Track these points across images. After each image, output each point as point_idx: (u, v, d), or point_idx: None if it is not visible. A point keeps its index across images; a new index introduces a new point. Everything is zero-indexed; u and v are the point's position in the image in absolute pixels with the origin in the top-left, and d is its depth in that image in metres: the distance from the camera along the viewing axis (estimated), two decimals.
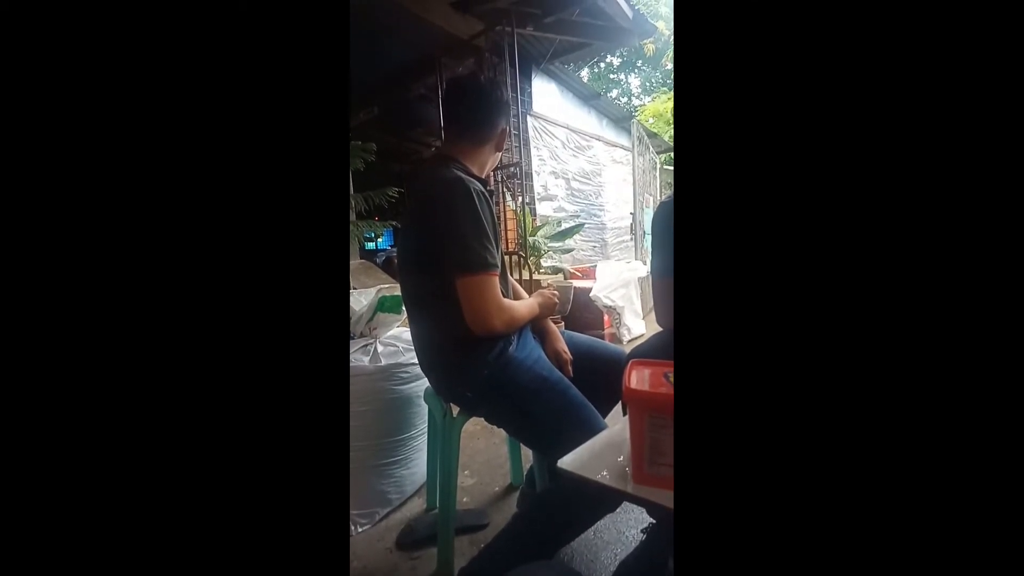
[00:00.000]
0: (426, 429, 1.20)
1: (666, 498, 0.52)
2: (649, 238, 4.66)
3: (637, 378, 0.58)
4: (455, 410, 0.95)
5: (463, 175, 0.89)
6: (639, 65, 12.64)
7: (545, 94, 4.02)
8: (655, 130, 6.73)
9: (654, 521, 0.96)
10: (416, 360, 1.05)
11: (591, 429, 0.79)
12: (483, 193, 0.89)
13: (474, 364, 0.89)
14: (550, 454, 0.79)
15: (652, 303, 1.17)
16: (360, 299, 1.34)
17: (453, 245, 0.84)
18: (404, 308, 1.02)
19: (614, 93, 12.03)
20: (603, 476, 0.58)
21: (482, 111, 0.97)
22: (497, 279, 0.87)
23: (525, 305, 0.96)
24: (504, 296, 0.92)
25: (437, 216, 0.86)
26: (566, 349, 1.03)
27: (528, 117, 3.66)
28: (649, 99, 11.43)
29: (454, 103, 1.01)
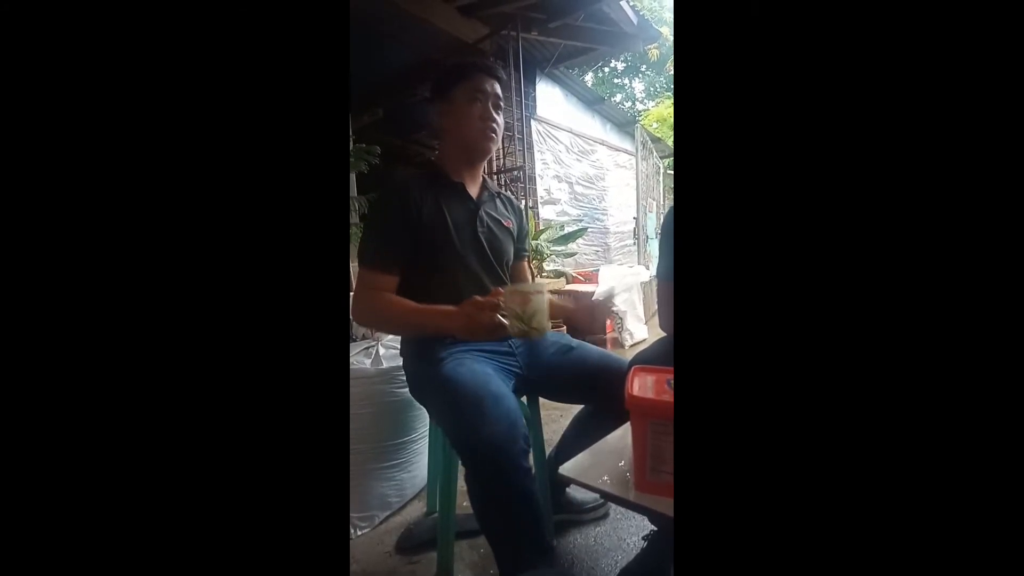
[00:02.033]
0: (427, 432, 1.20)
1: (668, 506, 0.51)
2: (652, 243, 4.66)
3: (640, 385, 0.57)
4: None
5: (399, 179, 0.93)
6: (643, 70, 12.65)
7: (549, 98, 4.03)
8: (659, 135, 6.73)
9: (655, 528, 0.95)
10: None
11: (478, 420, 0.69)
12: (411, 193, 0.90)
13: (408, 364, 0.95)
14: (458, 447, 0.71)
15: (655, 307, 1.13)
16: None
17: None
18: None
19: (618, 98, 12.05)
20: (604, 482, 0.58)
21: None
22: (378, 277, 0.87)
23: (417, 311, 0.85)
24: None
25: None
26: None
27: (532, 121, 3.67)
28: (653, 104, 11.46)
29: None
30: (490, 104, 0.95)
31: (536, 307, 0.73)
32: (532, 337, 0.75)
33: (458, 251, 0.93)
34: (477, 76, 0.94)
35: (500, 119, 0.97)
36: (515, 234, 1.07)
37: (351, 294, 0.88)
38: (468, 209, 0.97)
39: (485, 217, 0.99)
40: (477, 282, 0.95)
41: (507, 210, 1.07)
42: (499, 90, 0.97)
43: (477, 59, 1.01)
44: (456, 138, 0.97)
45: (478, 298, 0.80)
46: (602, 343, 2.78)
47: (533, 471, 0.70)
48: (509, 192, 1.14)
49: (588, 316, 1.08)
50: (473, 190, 1.00)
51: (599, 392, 0.94)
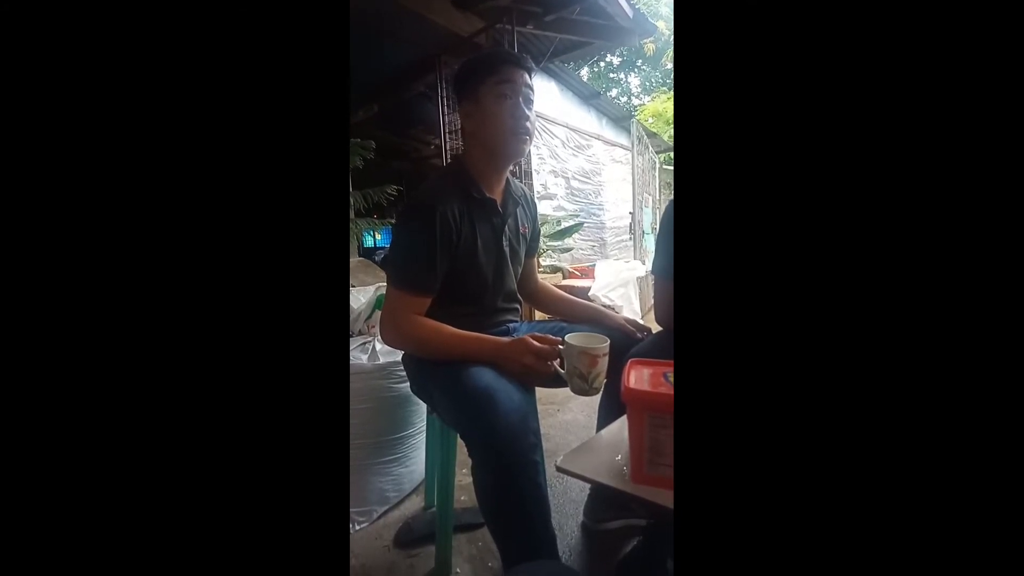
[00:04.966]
0: (424, 427, 1.20)
1: (665, 498, 0.52)
2: (648, 238, 4.66)
3: (636, 378, 0.58)
4: None
5: (439, 194, 0.85)
6: (639, 64, 12.64)
7: (545, 93, 4.01)
8: (654, 130, 6.73)
9: (652, 521, 0.96)
10: None
11: (491, 412, 0.69)
12: (452, 216, 0.83)
13: (411, 360, 0.93)
14: (468, 438, 0.72)
15: (651, 302, 1.12)
16: (359, 297, 1.34)
17: (391, 255, 0.87)
18: None
19: (614, 92, 12.03)
20: (601, 475, 0.58)
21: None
22: (415, 300, 0.83)
23: (460, 339, 0.82)
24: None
25: (397, 223, 0.89)
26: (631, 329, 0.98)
27: None
28: (649, 98, 11.43)
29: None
30: (520, 100, 0.86)
31: (601, 368, 0.71)
32: (589, 395, 0.73)
33: (482, 266, 0.91)
34: (503, 69, 0.85)
35: (533, 115, 0.89)
36: (529, 237, 1.06)
37: (383, 314, 0.86)
38: (496, 225, 0.93)
39: (508, 230, 0.96)
40: (491, 287, 0.94)
41: (526, 214, 1.04)
42: (530, 81, 0.88)
43: (502, 50, 0.92)
44: (484, 142, 0.89)
45: (534, 343, 0.76)
46: None
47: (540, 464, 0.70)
48: (525, 188, 1.07)
49: None
50: (500, 200, 0.95)
51: None
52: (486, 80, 0.86)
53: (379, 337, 1.24)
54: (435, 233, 0.82)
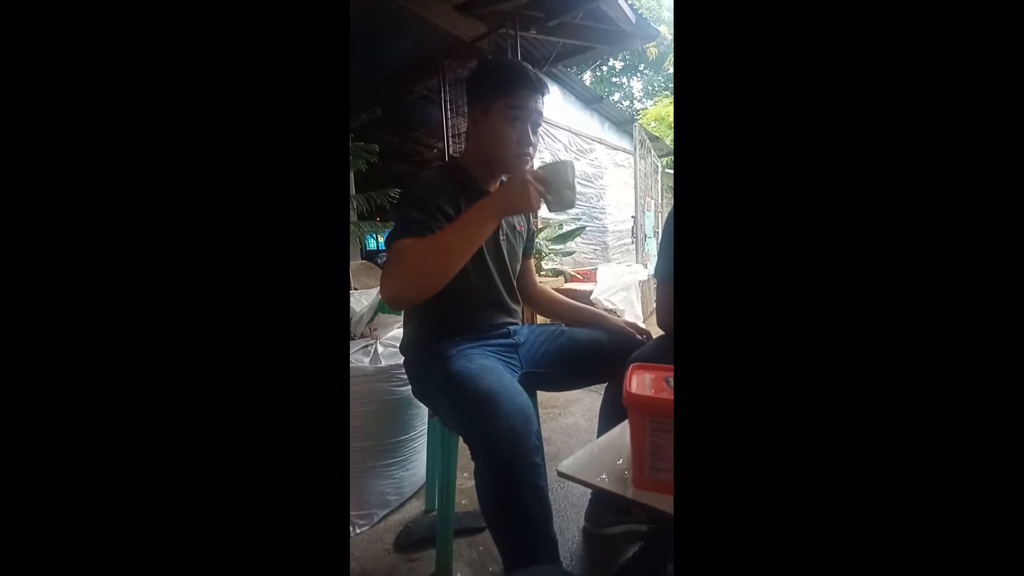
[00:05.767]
0: (425, 431, 1.20)
1: (666, 503, 0.52)
2: (650, 241, 4.66)
3: (638, 382, 0.58)
4: None
5: (437, 183, 0.87)
6: (641, 69, 12.66)
7: (547, 97, 4.02)
8: (657, 134, 6.73)
9: (654, 526, 0.96)
10: None
11: (492, 418, 0.68)
12: (449, 200, 0.85)
13: (412, 363, 0.93)
14: (471, 441, 0.72)
15: (653, 306, 1.12)
16: (361, 300, 1.34)
17: (390, 234, 0.84)
18: None
19: (616, 97, 12.06)
20: (602, 480, 0.58)
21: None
22: (416, 243, 0.76)
23: (450, 232, 0.76)
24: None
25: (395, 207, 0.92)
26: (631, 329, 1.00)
27: None
28: (651, 103, 11.45)
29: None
30: (528, 126, 0.88)
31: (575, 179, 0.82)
32: (573, 206, 0.82)
33: (479, 259, 0.91)
34: (518, 93, 0.85)
35: (537, 137, 0.90)
36: (525, 236, 1.07)
37: (383, 275, 0.79)
38: None
39: (504, 225, 0.97)
40: (490, 284, 0.95)
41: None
42: (542, 106, 0.89)
43: (520, 68, 0.87)
44: (485, 151, 0.91)
45: (512, 181, 0.79)
46: None
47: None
48: None
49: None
50: None
51: (594, 369, 0.98)
52: (499, 99, 0.86)
53: (380, 340, 1.24)
54: (436, 192, 0.82)
